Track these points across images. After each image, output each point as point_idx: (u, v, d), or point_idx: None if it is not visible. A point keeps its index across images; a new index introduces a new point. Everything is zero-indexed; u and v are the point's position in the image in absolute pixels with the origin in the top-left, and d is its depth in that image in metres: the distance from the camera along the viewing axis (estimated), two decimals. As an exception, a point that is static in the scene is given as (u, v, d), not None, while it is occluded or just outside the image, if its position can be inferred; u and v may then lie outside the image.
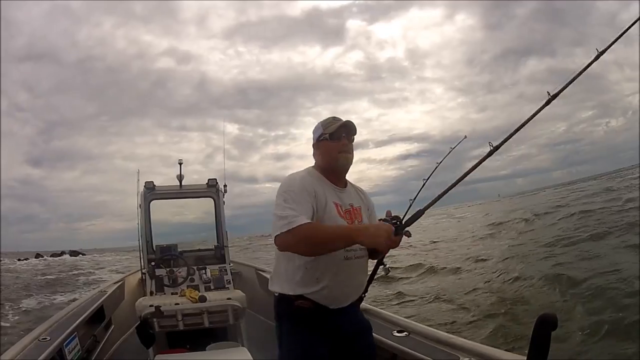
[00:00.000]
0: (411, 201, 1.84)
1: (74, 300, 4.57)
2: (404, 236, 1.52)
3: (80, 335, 2.58)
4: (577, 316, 4.81)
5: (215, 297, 3.33)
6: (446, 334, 1.92)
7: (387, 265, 1.91)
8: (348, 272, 1.62)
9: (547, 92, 1.58)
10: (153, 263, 3.73)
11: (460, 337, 1.88)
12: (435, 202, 1.64)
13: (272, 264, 1.78)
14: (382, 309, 2.47)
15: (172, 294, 3.52)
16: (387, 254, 1.79)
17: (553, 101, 1.60)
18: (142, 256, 3.98)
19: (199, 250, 4.36)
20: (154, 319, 3.04)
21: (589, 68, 1.67)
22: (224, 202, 4.35)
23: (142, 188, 4.13)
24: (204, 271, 3.82)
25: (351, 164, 1.72)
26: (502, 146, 1.61)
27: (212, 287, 3.69)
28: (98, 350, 3.10)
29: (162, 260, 3.85)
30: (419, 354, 1.79)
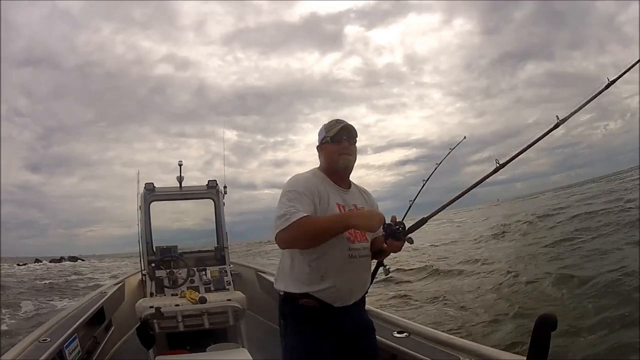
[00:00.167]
0: (411, 202, 1.86)
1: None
2: (406, 242, 1.57)
3: (81, 336, 2.58)
4: (590, 315, 4.80)
5: (215, 299, 3.33)
6: (446, 334, 1.92)
7: (388, 266, 1.91)
8: (352, 270, 1.64)
9: (557, 116, 1.61)
10: (153, 264, 3.73)
11: (460, 337, 1.88)
12: (439, 212, 1.67)
13: (273, 266, 1.79)
14: (384, 309, 2.47)
15: (172, 295, 3.51)
16: (389, 257, 1.81)
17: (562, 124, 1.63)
18: (142, 257, 3.98)
19: (199, 251, 4.35)
20: (154, 320, 3.04)
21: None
22: (224, 204, 4.35)
23: (142, 189, 4.13)
24: (204, 272, 3.82)
25: (353, 165, 1.75)
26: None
27: (212, 289, 3.68)
28: (98, 351, 3.10)
29: (162, 261, 3.84)
30: (419, 355, 1.79)
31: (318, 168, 1.78)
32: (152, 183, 4.14)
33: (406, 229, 1.56)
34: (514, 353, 1.68)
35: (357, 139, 1.75)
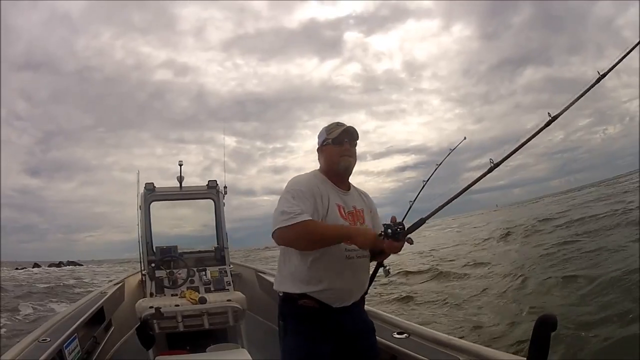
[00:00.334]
0: (411, 203, 1.86)
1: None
2: (406, 243, 1.57)
3: (80, 336, 2.58)
4: (593, 313, 4.79)
5: (215, 299, 3.33)
6: (446, 335, 1.92)
7: (388, 267, 1.92)
8: (350, 271, 1.66)
9: (548, 113, 1.61)
10: (153, 264, 3.73)
11: (459, 338, 1.88)
12: (437, 212, 1.68)
13: (273, 270, 1.80)
14: (384, 310, 2.47)
15: (172, 295, 3.51)
16: (387, 259, 1.81)
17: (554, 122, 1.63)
18: (142, 258, 3.98)
19: (199, 251, 4.35)
20: (154, 321, 3.04)
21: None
22: (224, 204, 4.35)
23: (142, 189, 4.13)
24: (204, 273, 3.82)
25: (353, 167, 1.77)
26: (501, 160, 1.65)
27: (212, 289, 3.68)
28: (98, 351, 3.10)
29: (162, 261, 3.84)
30: (419, 356, 1.79)
31: (318, 170, 1.79)
32: (152, 183, 4.13)
33: (405, 229, 1.57)
34: (514, 354, 1.68)
35: (357, 144, 1.77)
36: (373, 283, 2.01)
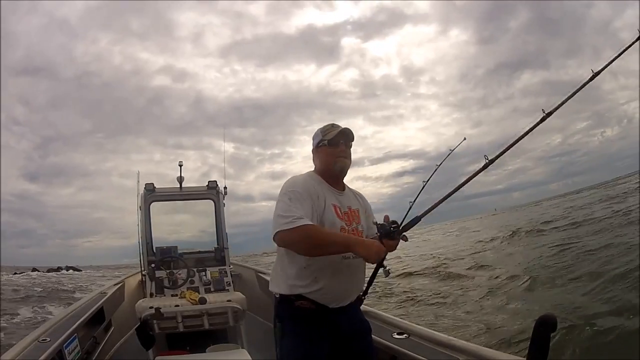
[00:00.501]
0: (411, 203, 1.87)
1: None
2: (401, 240, 1.60)
3: (80, 336, 2.58)
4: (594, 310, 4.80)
5: (215, 299, 3.33)
6: (446, 335, 1.93)
7: (388, 267, 1.92)
8: (347, 271, 1.66)
9: (542, 109, 1.64)
10: (153, 265, 3.72)
11: (459, 338, 1.88)
12: (432, 209, 1.70)
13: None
14: (383, 310, 2.48)
15: (172, 295, 3.51)
16: (387, 260, 1.81)
17: (548, 118, 1.65)
18: (142, 258, 3.98)
19: (199, 252, 4.34)
20: (154, 321, 3.04)
21: (583, 78, 1.70)
22: (224, 204, 4.35)
23: (142, 190, 4.13)
24: (204, 273, 3.81)
25: (348, 168, 1.78)
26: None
27: (212, 289, 3.68)
28: (98, 351, 3.10)
29: (162, 262, 3.84)
30: (418, 356, 1.79)
31: (313, 171, 1.80)
32: (152, 183, 4.13)
33: (400, 228, 1.59)
34: (514, 354, 1.68)
35: (355, 150, 1.78)
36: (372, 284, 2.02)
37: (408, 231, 1.66)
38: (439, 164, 1.99)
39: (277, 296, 1.69)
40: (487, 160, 1.63)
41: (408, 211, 1.88)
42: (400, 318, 2.36)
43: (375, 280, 2.01)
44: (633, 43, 1.66)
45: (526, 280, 7.04)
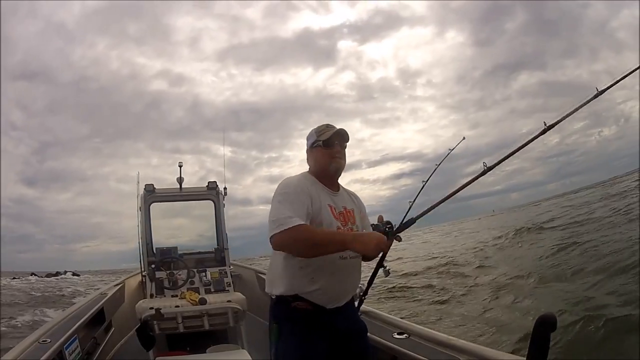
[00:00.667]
0: (411, 203, 1.87)
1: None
2: (395, 240, 1.62)
3: (81, 337, 2.59)
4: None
5: (215, 300, 3.33)
6: (446, 335, 1.93)
7: (387, 267, 1.92)
8: (343, 271, 1.66)
9: (544, 122, 1.65)
10: (153, 265, 3.72)
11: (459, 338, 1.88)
12: (428, 212, 1.71)
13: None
14: (381, 310, 2.48)
15: (172, 296, 3.51)
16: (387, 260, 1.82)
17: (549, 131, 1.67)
18: (142, 259, 3.98)
19: (199, 252, 4.34)
20: (154, 322, 3.04)
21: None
22: (224, 205, 4.35)
23: (142, 190, 4.13)
24: (204, 274, 3.81)
25: (343, 169, 1.77)
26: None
27: (212, 290, 3.68)
28: (98, 352, 3.10)
29: (162, 262, 3.84)
30: (419, 356, 1.80)
31: (308, 171, 1.79)
32: (152, 184, 4.13)
33: (394, 228, 1.60)
34: (514, 354, 1.68)
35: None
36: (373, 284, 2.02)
37: (403, 232, 1.68)
38: (438, 164, 1.99)
39: (274, 297, 1.69)
40: (485, 167, 1.65)
41: (407, 211, 1.88)
42: (401, 318, 2.37)
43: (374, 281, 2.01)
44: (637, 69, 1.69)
45: (526, 280, 7.05)
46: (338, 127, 1.74)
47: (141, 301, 3.29)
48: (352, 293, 1.76)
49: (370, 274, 1.98)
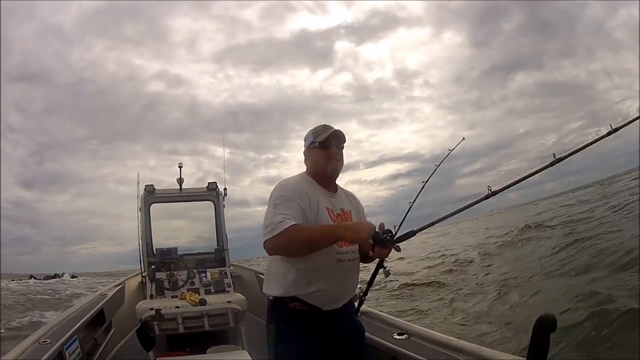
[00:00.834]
0: (410, 203, 1.87)
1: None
2: (393, 250, 1.59)
3: (81, 338, 2.58)
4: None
5: (215, 300, 3.33)
6: (446, 336, 1.93)
7: (388, 268, 1.92)
8: (341, 274, 1.66)
9: (553, 154, 1.67)
10: (153, 266, 3.72)
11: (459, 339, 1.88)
12: (428, 227, 1.71)
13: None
14: (381, 311, 2.48)
15: (172, 297, 3.50)
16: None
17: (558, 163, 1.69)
18: (142, 259, 3.97)
19: (199, 253, 4.34)
20: (154, 322, 3.04)
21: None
22: (224, 205, 4.35)
23: (142, 191, 4.13)
24: (204, 274, 3.81)
25: (340, 170, 1.77)
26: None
27: (212, 291, 3.67)
28: (98, 353, 3.09)
29: (162, 263, 3.84)
30: (418, 357, 1.79)
31: (305, 172, 1.79)
32: (152, 185, 4.13)
33: (394, 237, 1.58)
34: (514, 354, 1.68)
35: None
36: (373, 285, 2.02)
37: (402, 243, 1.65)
38: (437, 164, 1.99)
39: (271, 298, 1.69)
40: (489, 192, 1.65)
41: (407, 211, 1.88)
42: (401, 319, 2.37)
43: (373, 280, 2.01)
44: None
45: (525, 280, 7.05)
46: (335, 128, 1.74)
47: (141, 302, 3.29)
48: (350, 295, 1.76)
49: (370, 274, 1.98)
